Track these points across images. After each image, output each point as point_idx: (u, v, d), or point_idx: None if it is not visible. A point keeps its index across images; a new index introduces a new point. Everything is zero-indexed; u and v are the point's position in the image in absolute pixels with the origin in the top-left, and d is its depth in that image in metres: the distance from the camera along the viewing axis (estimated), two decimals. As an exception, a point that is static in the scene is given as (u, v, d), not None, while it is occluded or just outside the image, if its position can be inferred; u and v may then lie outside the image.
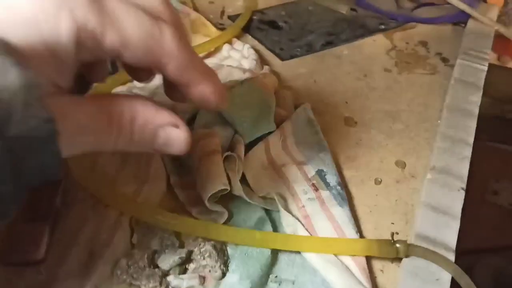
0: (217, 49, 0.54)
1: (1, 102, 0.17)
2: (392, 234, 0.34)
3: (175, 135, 0.25)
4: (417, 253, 0.33)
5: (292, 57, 0.57)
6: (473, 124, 0.46)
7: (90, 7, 0.20)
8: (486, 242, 1.01)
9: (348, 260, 0.34)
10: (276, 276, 0.33)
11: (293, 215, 0.36)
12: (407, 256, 0.33)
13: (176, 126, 0.25)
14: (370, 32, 0.63)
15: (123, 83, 0.46)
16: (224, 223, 0.35)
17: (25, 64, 0.17)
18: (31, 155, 0.18)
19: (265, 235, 0.33)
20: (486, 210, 1.08)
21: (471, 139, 0.44)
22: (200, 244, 0.32)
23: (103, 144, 0.22)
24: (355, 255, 0.33)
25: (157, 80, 0.29)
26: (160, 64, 0.23)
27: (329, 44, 0.60)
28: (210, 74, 0.26)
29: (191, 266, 0.32)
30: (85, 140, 0.21)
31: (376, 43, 0.62)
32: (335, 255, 0.33)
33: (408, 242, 0.34)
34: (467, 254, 1.00)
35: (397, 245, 0.33)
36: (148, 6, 0.23)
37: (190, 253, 0.32)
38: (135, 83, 0.46)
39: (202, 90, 0.25)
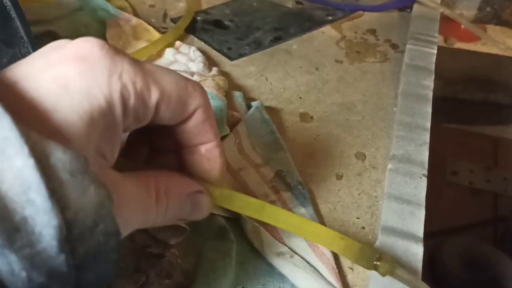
0: (160, 54, 0.51)
1: (77, 223, 0.17)
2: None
3: (200, 200, 0.26)
4: (397, 276, 0.28)
5: (241, 56, 0.55)
6: (428, 109, 0.46)
7: (134, 70, 0.21)
8: (451, 223, 1.03)
9: (316, 261, 0.33)
10: (243, 287, 0.31)
11: (255, 221, 0.34)
12: (384, 275, 0.28)
13: (200, 192, 0.26)
14: (318, 24, 0.62)
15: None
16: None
17: (99, 180, 0.18)
18: (94, 267, 0.18)
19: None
20: (448, 191, 1.10)
21: (428, 124, 0.44)
22: (155, 265, 0.30)
23: (148, 217, 0.23)
24: (331, 250, 0.31)
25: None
26: (189, 114, 0.24)
27: (277, 39, 0.58)
28: (219, 137, 0.27)
29: (151, 288, 0.30)
30: (135, 214, 0.22)
31: (325, 35, 0.61)
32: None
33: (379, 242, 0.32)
34: (434, 236, 1.02)
35: (377, 263, 0.28)
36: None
37: (147, 275, 0.30)
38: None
39: (211, 150, 0.26)
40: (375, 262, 0.28)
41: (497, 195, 1.11)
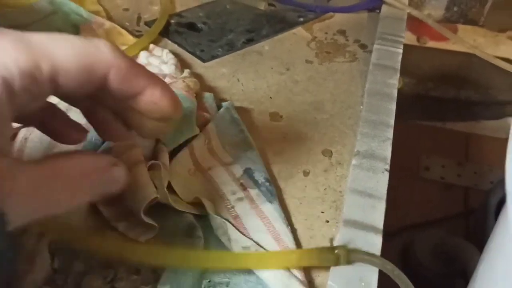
0: (134, 57, 0.52)
1: None
2: (331, 240, 0.34)
3: (117, 174, 0.25)
4: (358, 259, 0.32)
5: (213, 57, 0.56)
6: (392, 106, 0.47)
7: (17, 47, 0.19)
8: (423, 217, 1.06)
9: (282, 255, 0.34)
10: (209, 281, 0.32)
11: (222, 217, 0.35)
12: (348, 263, 0.32)
13: (116, 165, 0.25)
14: (289, 25, 0.64)
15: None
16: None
17: None
18: None
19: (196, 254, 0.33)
20: (420, 185, 1.13)
21: (391, 121, 0.45)
22: (124, 261, 0.31)
23: (58, 204, 0.22)
24: (295, 268, 0.32)
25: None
26: (101, 78, 0.22)
27: (250, 41, 0.60)
28: (155, 78, 0.25)
29: (121, 284, 0.31)
30: (34, 203, 0.20)
31: (297, 36, 0.62)
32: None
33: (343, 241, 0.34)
34: (407, 230, 1.04)
35: (337, 251, 0.32)
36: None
37: (116, 271, 0.31)
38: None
39: (150, 95, 0.24)
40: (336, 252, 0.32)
41: (468, 189, 1.14)
